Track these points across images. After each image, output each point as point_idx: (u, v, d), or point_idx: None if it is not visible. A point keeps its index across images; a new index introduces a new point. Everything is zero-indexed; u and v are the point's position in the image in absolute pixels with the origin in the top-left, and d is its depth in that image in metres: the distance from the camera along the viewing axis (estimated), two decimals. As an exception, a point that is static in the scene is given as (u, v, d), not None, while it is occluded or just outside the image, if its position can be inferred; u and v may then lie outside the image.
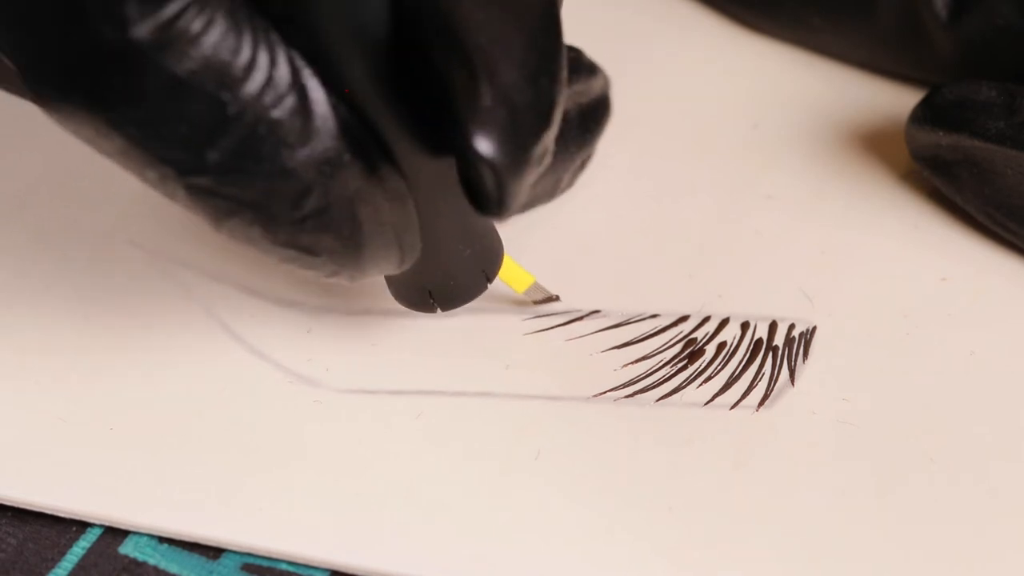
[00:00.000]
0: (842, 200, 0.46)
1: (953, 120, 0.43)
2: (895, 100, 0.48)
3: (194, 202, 0.34)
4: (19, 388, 0.41)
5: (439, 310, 0.40)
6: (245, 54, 0.32)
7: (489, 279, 0.40)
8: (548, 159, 0.34)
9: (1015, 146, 0.42)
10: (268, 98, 0.32)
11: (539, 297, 0.43)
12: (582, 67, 0.44)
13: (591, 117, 0.44)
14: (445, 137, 0.33)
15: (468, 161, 0.33)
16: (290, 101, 0.33)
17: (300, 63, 0.33)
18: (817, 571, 0.37)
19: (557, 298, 0.43)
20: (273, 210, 0.34)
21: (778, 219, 0.45)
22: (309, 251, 0.35)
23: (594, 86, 0.44)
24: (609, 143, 0.47)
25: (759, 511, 0.38)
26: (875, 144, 0.47)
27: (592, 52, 0.48)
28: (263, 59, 0.32)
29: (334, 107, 0.33)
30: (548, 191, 0.45)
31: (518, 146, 0.33)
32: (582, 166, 0.45)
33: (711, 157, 0.47)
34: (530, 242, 0.45)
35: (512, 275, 0.42)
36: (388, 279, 0.40)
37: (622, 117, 0.48)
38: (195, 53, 0.32)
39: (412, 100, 0.34)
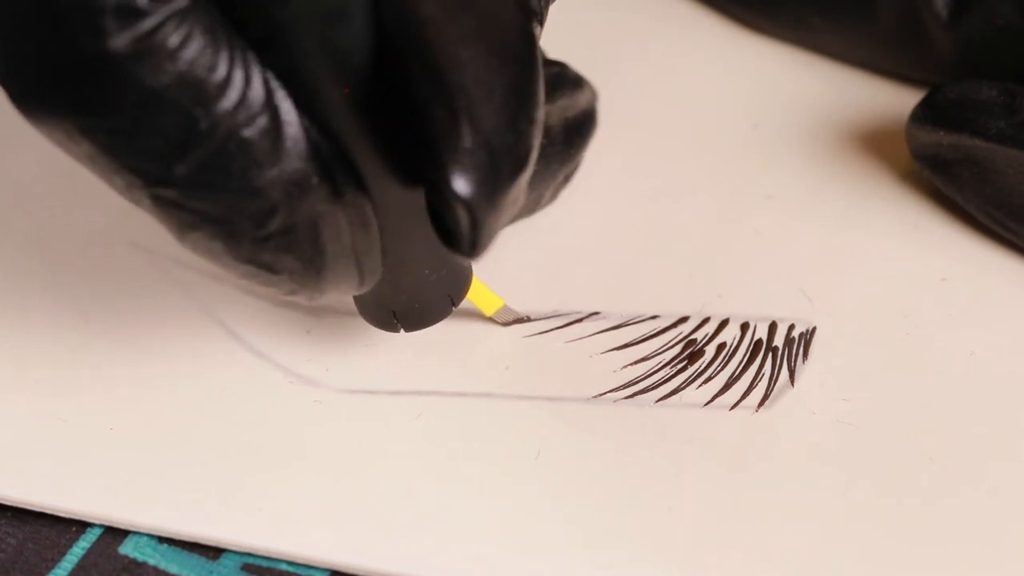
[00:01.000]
0: (842, 200, 0.46)
1: (954, 119, 0.43)
2: (895, 100, 0.48)
3: (159, 212, 0.34)
4: (19, 388, 0.41)
5: (402, 331, 0.40)
6: (221, 71, 0.32)
7: (455, 303, 0.40)
8: (521, 201, 0.34)
9: (1016, 145, 0.42)
10: (240, 116, 0.33)
11: (508, 319, 0.42)
12: (567, 81, 0.44)
13: (576, 131, 0.44)
14: (417, 169, 0.33)
15: (443, 199, 0.33)
16: (262, 121, 0.33)
17: (275, 84, 0.33)
18: (817, 571, 0.37)
19: (528, 319, 0.43)
20: (237, 226, 0.34)
21: (778, 219, 0.45)
22: (270, 269, 0.35)
23: (580, 100, 0.44)
24: (609, 143, 0.47)
25: (759, 511, 0.38)
26: (875, 144, 0.47)
27: (592, 52, 0.48)
28: (238, 77, 0.32)
29: (306, 129, 0.33)
30: (529, 207, 0.44)
31: (495, 189, 0.33)
32: (566, 180, 0.45)
33: (711, 157, 0.47)
34: (530, 243, 0.45)
35: (481, 297, 0.42)
36: (355, 297, 0.40)
37: (622, 117, 0.48)
38: (171, 67, 0.32)
39: (386, 129, 0.34)
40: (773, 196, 0.46)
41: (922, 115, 0.44)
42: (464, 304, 0.41)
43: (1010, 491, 0.39)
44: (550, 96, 0.43)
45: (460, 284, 0.40)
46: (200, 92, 0.32)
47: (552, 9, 0.52)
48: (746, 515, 0.38)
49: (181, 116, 0.32)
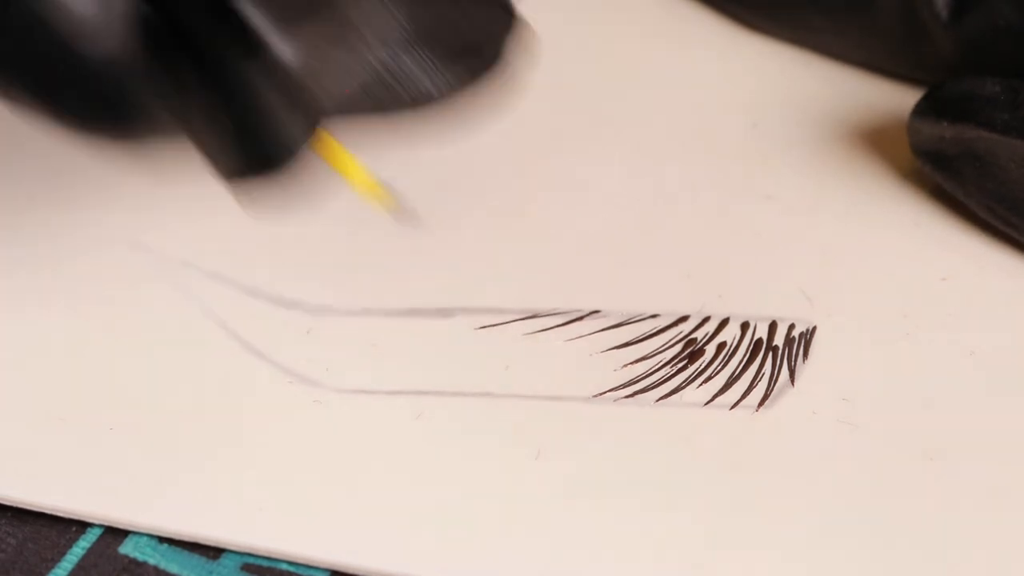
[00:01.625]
0: (842, 200, 0.46)
1: (958, 111, 0.43)
2: (895, 100, 0.48)
3: None
4: (19, 388, 0.41)
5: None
6: None
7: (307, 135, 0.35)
8: None
9: (1020, 137, 0.42)
10: None
11: (393, 208, 0.39)
12: None
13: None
14: None
15: None
16: None
17: None
18: (817, 571, 0.37)
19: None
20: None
21: (778, 219, 0.45)
22: None
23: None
24: (609, 143, 0.47)
25: (759, 511, 0.38)
26: (875, 144, 0.47)
27: (592, 52, 0.48)
28: None
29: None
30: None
31: None
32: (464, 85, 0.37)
33: (711, 157, 0.47)
34: (530, 241, 0.45)
35: (342, 163, 0.37)
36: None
37: (622, 117, 0.48)
38: None
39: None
40: (773, 196, 0.46)
41: (925, 108, 0.44)
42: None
43: (1010, 491, 0.39)
44: None
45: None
46: None
47: (552, 9, 0.52)
48: (746, 515, 0.38)
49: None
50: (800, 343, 0.42)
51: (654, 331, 0.42)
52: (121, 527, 0.39)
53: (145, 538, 0.39)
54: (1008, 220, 0.43)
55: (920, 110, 0.44)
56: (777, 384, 0.41)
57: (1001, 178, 0.43)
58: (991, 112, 0.43)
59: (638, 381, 0.41)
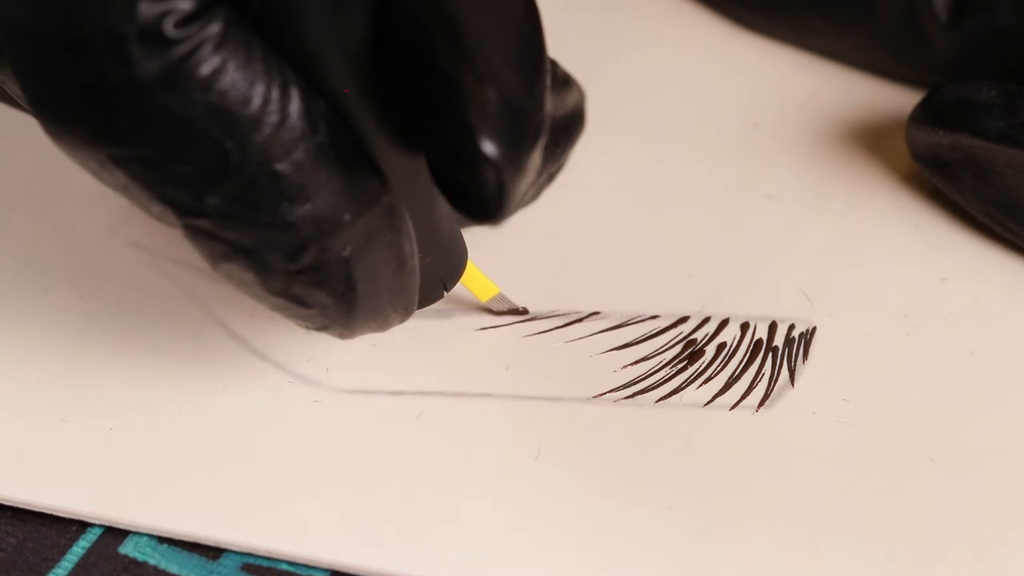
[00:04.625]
0: (842, 200, 0.46)
1: (953, 119, 0.43)
2: (895, 100, 0.48)
3: (194, 242, 0.34)
4: (19, 388, 0.41)
5: None
6: (255, 104, 0.32)
7: (447, 288, 0.40)
8: (538, 169, 0.35)
9: (1015, 145, 0.42)
10: (274, 150, 0.32)
11: (503, 308, 0.42)
12: (555, 79, 0.44)
13: (562, 131, 0.44)
14: (435, 137, 0.33)
15: (469, 163, 0.33)
16: (297, 155, 0.33)
17: (317, 113, 0.33)
18: (817, 571, 0.37)
19: (525, 311, 0.43)
20: (268, 259, 0.34)
21: (778, 219, 0.45)
22: (301, 303, 0.35)
23: (568, 100, 0.44)
24: (609, 143, 0.47)
25: (759, 511, 0.38)
26: (875, 144, 0.47)
27: (592, 52, 0.48)
28: (274, 110, 0.32)
29: (342, 163, 0.33)
30: None
31: (519, 150, 0.33)
32: (549, 180, 0.45)
33: (711, 157, 0.47)
34: (530, 242, 0.45)
35: (476, 283, 0.42)
36: None
37: (622, 117, 0.48)
38: (202, 98, 0.31)
39: (391, 108, 0.34)
40: (773, 196, 0.46)
41: (922, 115, 0.44)
42: (461, 291, 0.40)
43: (1010, 491, 0.39)
44: None
45: (454, 269, 0.40)
46: (232, 124, 0.32)
47: (551, 10, 0.52)
48: (746, 515, 0.38)
49: (212, 147, 0.32)
50: (800, 343, 0.42)
51: (654, 332, 0.42)
52: (121, 527, 0.39)
53: (145, 538, 0.39)
54: (1006, 225, 0.43)
55: (917, 117, 0.44)
56: (777, 384, 0.41)
57: (998, 184, 0.43)
58: (986, 120, 0.43)
59: (638, 382, 0.41)
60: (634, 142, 0.48)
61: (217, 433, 0.40)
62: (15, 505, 0.39)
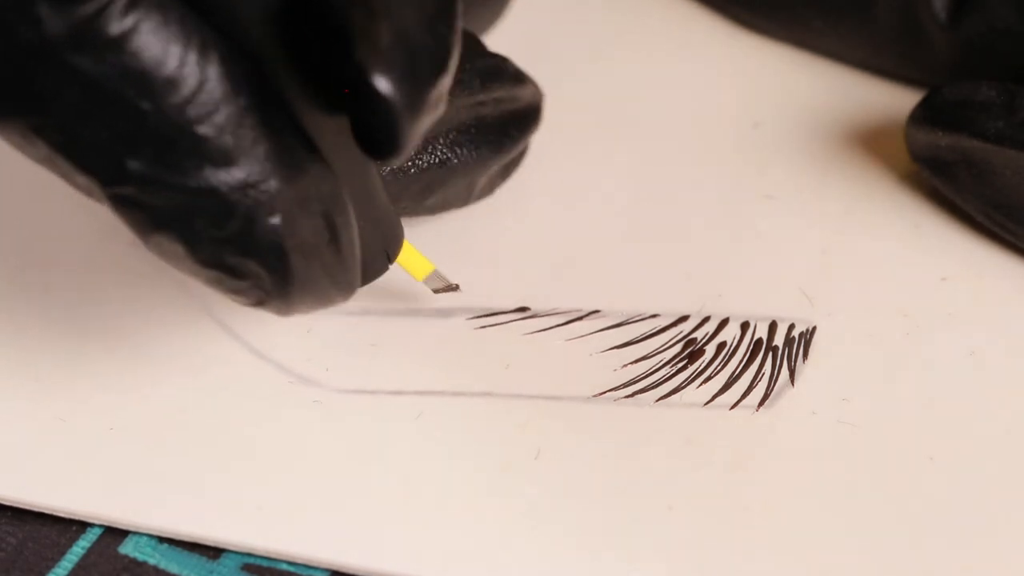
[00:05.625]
0: (842, 200, 0.46)
1: (952, 120, 0.43)
2: (895, 100, 0.48)
3: (120, 212, 0.33)
4: (19, 388, 0.41)
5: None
6: (171, 64, 0.32)
7: (391, 259, 0.39)
8: (442, 107, 0.34)
9: (1014, 146, 0.42)
10: (192, 112, 0.32)
11: (439, 286, 0.42)
12: (506, 75, 0.44)
13: (513, 124, 0.44)
14: (337, 77, 0.33)
15: (365, 100, 0.32)
16: (218, 118, 0.32)
17: (240, 76, 0.33)
18: (817, 571, 0.37)
19: (457, 287, 0.42)
20: (195, 227, 0.33)
21: (778, 219, 0.45)
22: (233, 273, 0.34)
23: (521, 95, 0.44)
24: (609, 143, 0.47)
25: (759, 511, 0.38)
26: (875, 144, 0.47)
27: (592, 52, 0.48)
28: (191, 71, 0.32)
29: (268, 127, 0.33)
30: (461, 195, 0.44)
31: (415, 87, 0.33)
32: (503, 174, 0.45)
33: (711, 157, 0.47)
34: (529, 241, 0.45)
35: (412, 261, 0.41)
36: None
37: (622, 117, 0.48)
38: (114, 58, 0.31)
39: (309, 61, 0.33)
40: (773, 196, 0.46)
41: (921, 116, 0.44)
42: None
43: (1010, 491, 0.39)
44: (486, 86, 0.43)
45: (394, 240, 0.39)
46: (147, 86, 0.32)
47: (552, 9, 0.52)
48: (746, 515, 0.38)
49: (128, 109, 0.32)
50: (800, 343, 0.42)
51: (654, 331, 0.42)
52: (121, 527, 0.39)
53: (145, 538, 0.39)
54: (1005, 225, 0.44)
55: (916, 117, 0.44)
56: (777, 384, 0.41)
57: (997, 184, 0.43)
58: (985, 121, 0.43)
59: (638, 381, 0.41)
60: (634, 142, 0.48)
61: (217, 433, 0.40)
62: (15, 505, 0.39)
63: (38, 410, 0.40)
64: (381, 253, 0.39)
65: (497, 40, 0.49)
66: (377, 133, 0.33)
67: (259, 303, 0.35)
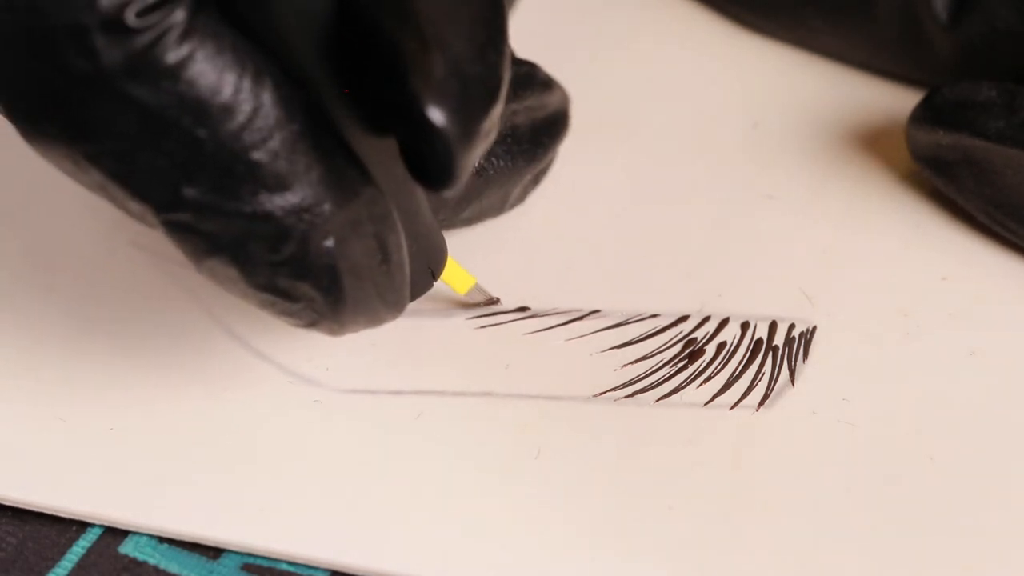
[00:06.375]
0: (842, 200, 0.46)
1: (953, 120, 0.43)
2: (895, 100, 0.48)
3: (175, 238, 0.34)
4: (19, 388, 0.41)
5: None
6: (226, 91, 0.32)
7: (435, 276, 0.39)
8: (494, 135, 0.34)
9: (1015, 145, 0.42)
10: (247, 139, 0.32)
11: (480, 299, 0.42)
12: (536, 82, 0.44)
13: (544, 132, 0.44)
14: (390, 109, 0.33)
15: (416, 130, 0.32)
16: (272, 144, 0.33)
17: (293, 101, 0.33)
18: (817, 571, 0.37)
19: (497, 300, 0.43)
20: (250, 251, 0.33)
21: (778, 219, 0.45)
22: (287, 296, 0.35)
23: (549, 101, 0.44)
24: (609, 143, 0.47)
25: (759, 511, 0.38)
26: (875, 144, 0.47)
27: (592, 52, 0.48)
28: (246, 98, 0.32)
29: (321, 151, 0.33)
30: (496, 205, 0.44)
31: (469, 117, 0.33)
32: (535, 181, 0.45)
33: (711, 157, 0.47)
34: (530, 240, 0.45)
35: (454, 276, 0.42)
36: None
37: (622, 117, 0.48)
38: (170, 87, 0.31)
39: (359, 84, 0.34)
40: (773, 196, 0.46)
41: (922, 116, 0.44)
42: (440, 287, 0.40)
43: (1010, 491, 0.39)
44: (518, 95, 0.43)
45: (438, 256, 0.39)
46: (203, 113, 0.32)
47: (552, 9, 0.52)
48: (746, 515, 0.38)
49: (184, 137, 0.32)
50: (800, 343, 0.42)
51: (654, 331, 0.42)
52: (121, 527, 0.39)
53: (145, 538, 0.39)
54: (1006, 225, 0.44)
55: (917, 117, 0.44)
56: (777, 384, 0.41)
57: (998, 184, 0.43)
58: (986, 120, 0.43)
59: (638, 381, 0.41)
60: (634, 142, 0.48)
61: (217, 433, 0.40)
62: (15, 505, 0.39)
63: (38, 410, 0.40)
64: (426, 270, 0.39)
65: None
66: (431, 164, 0.33)
67: (311, 324, 0.36)
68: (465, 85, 0.33)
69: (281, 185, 0.33)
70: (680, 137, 0.48)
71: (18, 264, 0.44)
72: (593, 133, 0.48)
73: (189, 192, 0.32)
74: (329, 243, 0.34)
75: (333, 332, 0.36)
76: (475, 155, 0.33)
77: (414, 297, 0.39)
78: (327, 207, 0.33)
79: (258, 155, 0.32)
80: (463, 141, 0.33)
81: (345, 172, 0.34)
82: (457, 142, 0.33)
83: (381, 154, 0.35)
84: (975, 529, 0.38)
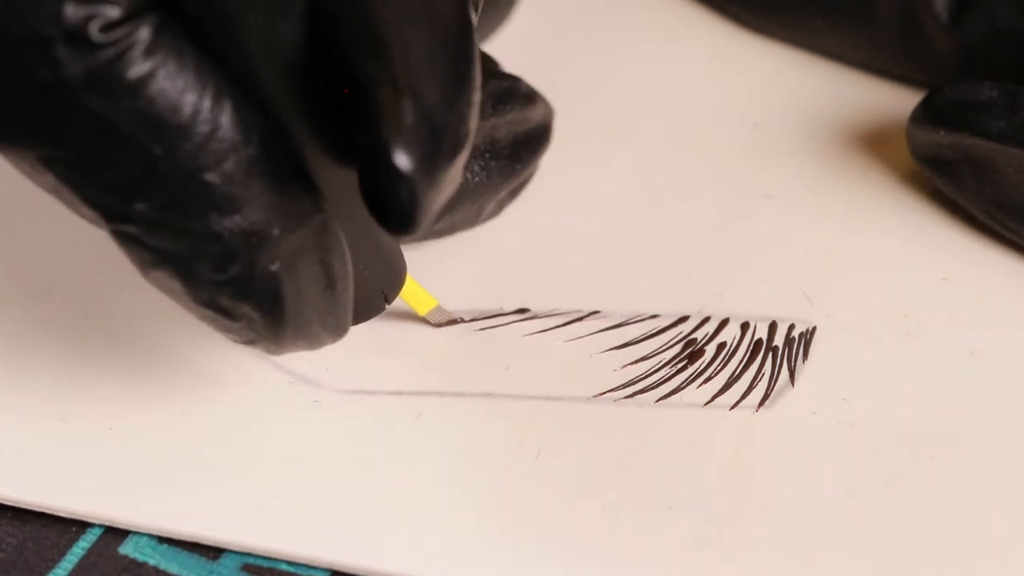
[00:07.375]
0: (842, 200, 0.46)
1: (954, 120, 0.43)
2: (895, 100, 0.48)
3: (122, 247, 0.34)
4: (19, 388, 0.41)
5: None
6: (185, 111, 0.32)
7: (388, 300, 0.39)
8: (458, 182, 0.34)
9: (1016, 145, 0.42)
10: (203, 159, 0.32)
11: (442, 320, 0.42)
12: (518, 96, 0.44)
13: (524, 146, 0.44)
14: (356, 148, 0.33)
15: (383, 174, 0.32)
16: (227, 166, 0.33)
17: (251, 124, 0.33)
18: (817, 571, 0.37)
19: (461, 320, 0.43)
20: (195, 269, 0.34)
21: (778, 219, 0.45)
22: (227, 314, 0.35)
23: (532, 115, 0.44)
24: (609, 143, 0.47)
25: (759, 511, 0.38)
26: (876, 144, 0.47)
27: (592, 52, 0.48)
28: (205, 118, 0.32)
29: (275, 176, 0.33)
30: (469, 219, 0.44)
31: (435, 165, 0.33)
32: (512, 195, 0.45)
33: (711, 157, 0.47)
34: (529, 241, 0.45)
35: (414, 296, 0.41)
36: None
37: (621, 117, 0.48)
38: (129, 103, 0.32)
39: (323, 113, 0.34)
40: (773, 196, 0.46)
41: (922, 116, 0.44)
42: (398, 304, 0.40)
43: (1010, 491, 0.39)
44: (498, 109, 0.43)
45: (394, 280, 0.39)
46: (161, 131, 0.32)
47: (552, 10, 0.52)
48: (746, 515, 0.38)
49: (140, 153, 0.32)
50: (800, 343, 0.42)
51: (654, 331, 0.42)
52: (121, 527, 0.39)
53: (145, 538, 0.39)
54: (1007, 224, 0.44)
55: (917, 117, 0.44)
56: (777, 384, 0.41)
57: (999, 183, 0.43)
58: (987, 120, 0.43)
59: (638, 381, 0.41)
60: (634, 142, 0.48)
61: (217, 433, 0.40)
62: (15, 505, 0.39)
63: (38, 410, 0.40)
64: (379, 294, 0.39)
65: (498, 41, 0.49)
66: (394, 209, 0.33)
67: (249, 342, 0.36)
68: (434, 132, 0.33)
69: (232, 207, 0.33)
70: (680, 137, 0.48)
71: (18, 265, 0.44)
72: (593, 133, 0.48)
73: (140, 207, 0.33)
74: (275, 267, 0.34)
75: (271, 352, 0.37)
76: (438, 202, 0.33)
77: (361, 320, 0.39)
78: (276, 232, 0.34)
79: (211, 176, 0.33)
80: (429, 189, 0.33)
81: (298, 198, 0.34)
82: (423, 190, 0.33)
83: (339, 179, 0.35)
84: (975, 529, 0.38)
